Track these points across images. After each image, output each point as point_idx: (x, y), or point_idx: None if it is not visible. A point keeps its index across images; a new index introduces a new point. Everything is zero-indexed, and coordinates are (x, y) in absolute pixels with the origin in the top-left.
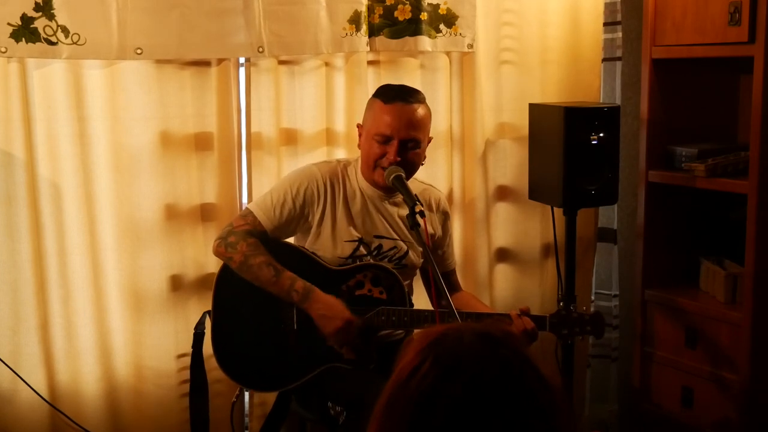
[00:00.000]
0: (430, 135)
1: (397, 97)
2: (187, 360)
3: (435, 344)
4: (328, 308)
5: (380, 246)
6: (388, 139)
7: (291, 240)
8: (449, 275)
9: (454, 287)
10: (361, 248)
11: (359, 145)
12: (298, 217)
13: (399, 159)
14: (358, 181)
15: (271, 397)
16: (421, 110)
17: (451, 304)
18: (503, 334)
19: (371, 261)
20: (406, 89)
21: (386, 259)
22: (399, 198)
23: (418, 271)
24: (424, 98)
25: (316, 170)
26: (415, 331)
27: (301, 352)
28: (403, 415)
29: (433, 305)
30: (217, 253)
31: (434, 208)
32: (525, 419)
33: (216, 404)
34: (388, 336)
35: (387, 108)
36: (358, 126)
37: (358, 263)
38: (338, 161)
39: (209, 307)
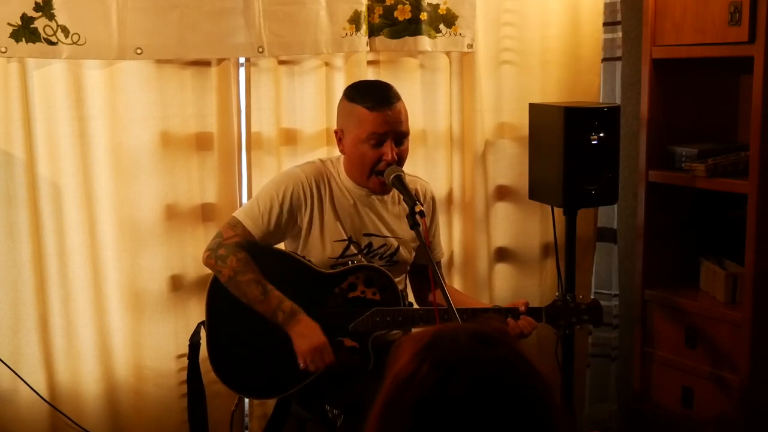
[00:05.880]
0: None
1: (381, 103)
2: (187, 360)
3: (430, 347)
4: (308, 330)
5: (370, 244)
6: (382, 141)
7: (281, 246)
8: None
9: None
10: (352, 247)
11: (342, 151)
12: (286, 221)
13: (397, 158)
14: (342, 180)
15: (271, 399)
16: (402, 106)
17: (451, 304)
18: (497, 332)
19: (363, 262)
20: (383, 89)
21: (377, 257)
22: (387, 194)
23: None
24: (396, 91)
25: (301, 172)
26: (413, 331)
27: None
28: (404, 421)
29: (418, 302)
30: (207, 265)
31: (422, 200)
32: (527, 416)
33: (215, 405)
34: (385, 337)
35: (374, 116)
36: (336, 132)
37: (349, 265)
38: (321, 161)
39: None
